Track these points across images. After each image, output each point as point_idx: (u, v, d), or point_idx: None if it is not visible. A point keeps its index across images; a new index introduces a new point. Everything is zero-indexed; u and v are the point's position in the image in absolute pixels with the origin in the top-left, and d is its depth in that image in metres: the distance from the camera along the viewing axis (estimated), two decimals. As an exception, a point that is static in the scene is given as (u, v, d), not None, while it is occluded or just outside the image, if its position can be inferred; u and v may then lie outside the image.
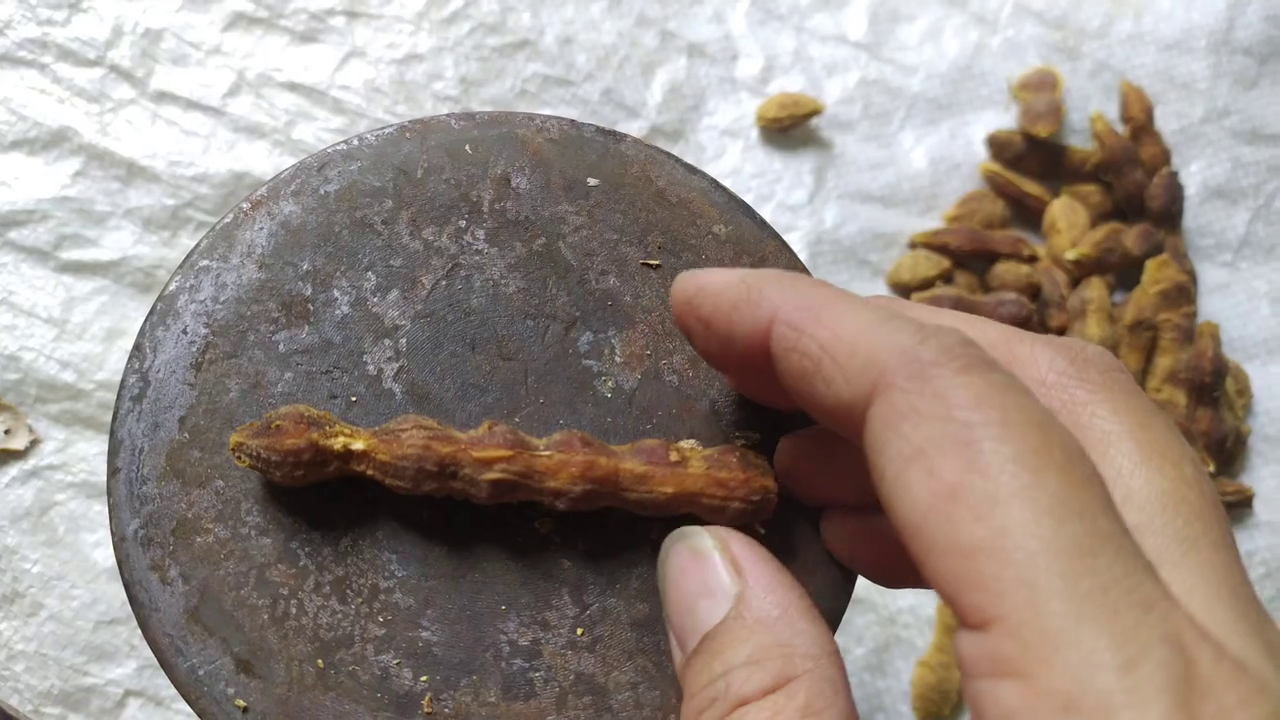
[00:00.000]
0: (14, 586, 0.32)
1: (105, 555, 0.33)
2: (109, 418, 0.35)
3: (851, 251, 0.41)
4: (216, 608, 0.19)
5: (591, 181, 0.23)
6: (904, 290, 0.40)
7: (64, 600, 0.32)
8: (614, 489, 0.19)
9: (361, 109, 0.39)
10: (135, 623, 0.33)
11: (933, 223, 0.42)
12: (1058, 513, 0.13)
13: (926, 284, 0.40)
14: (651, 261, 0.23)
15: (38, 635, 0.32)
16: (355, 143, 0.23)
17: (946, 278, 0.40)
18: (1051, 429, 0.14)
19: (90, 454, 0.34)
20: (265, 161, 0.38)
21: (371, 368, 0.21)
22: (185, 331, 0.21)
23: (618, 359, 0.22)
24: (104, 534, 0.34)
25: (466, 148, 0.23)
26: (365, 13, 0.40)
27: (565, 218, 0.23)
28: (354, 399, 0.21)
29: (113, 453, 0.20)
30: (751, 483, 0.19)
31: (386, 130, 0.23)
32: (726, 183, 0.41)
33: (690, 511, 0.20)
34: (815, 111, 0.41)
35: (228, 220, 0.22)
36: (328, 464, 0.19)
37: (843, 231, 0.41)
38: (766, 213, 0.41)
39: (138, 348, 0.21)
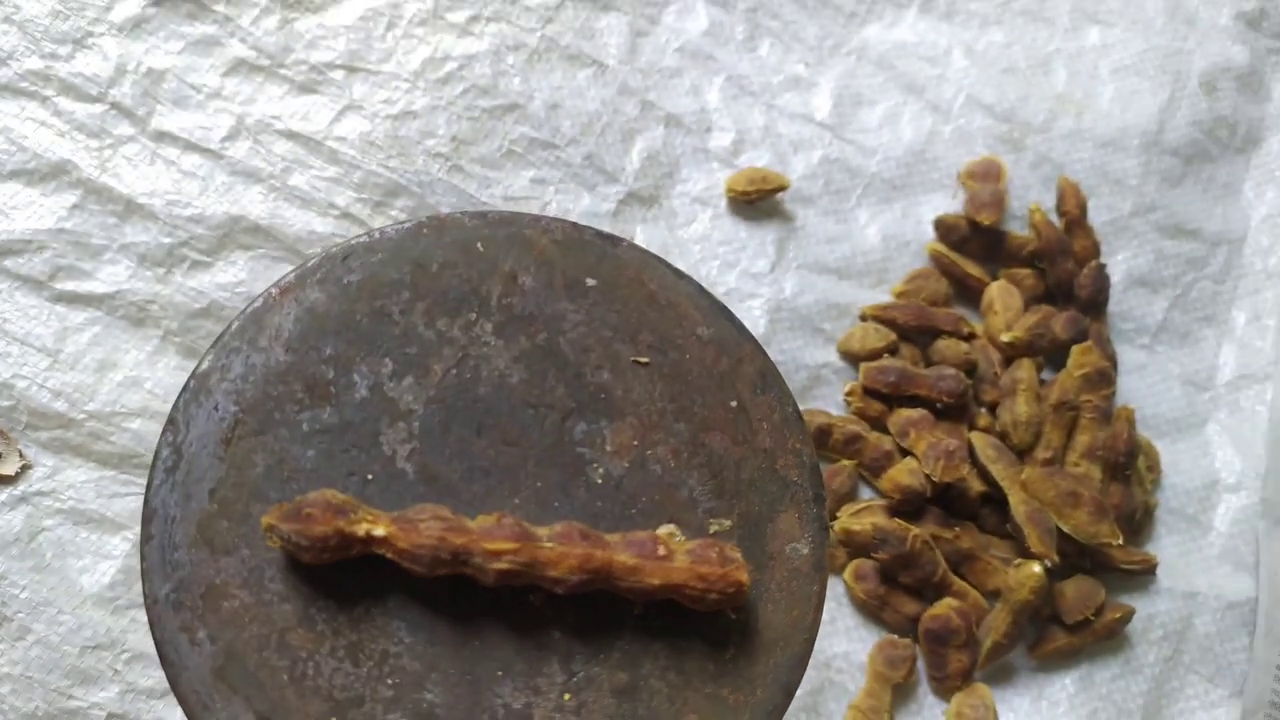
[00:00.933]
0: (2, 611, 0.33)
1: (91, 581, 0.35)
2: (98, 446, 0.36)
3: (807, 320, 0.44)
4: (241, 668, 0.21)
5: (590, 282, 0.26)
6: (853, 358, 0.44)
7: (51, 625, 0.34)
8: (607, 578, 0.22)
9: (356, 160, 0.41)
10: (119, 648, 0.34)
11: (883, 295, 0.45)
12: None
13: (874, 355, 0.43)
14: (641, 359, 0.25)
15: (24, 659, 0.33)
16: (377, 235, 0.25)
17: (892, 350, 0.43)
18: None
19: (78, 481, 0.36)
20: (260, 206, 0.40)
21: (386, 448, 0.23)
22: (216, 408, 0.23)
23: (608, 448, 0.24)
24: (90, 560, 0.35)
25: (478, 245, 0.26)
26: (364, 68, 0.42)
27: (565, 315, 0.25)
28: (370, 477, 0.23)
29: (146, 520, 0.22)
30: (729, 577, 0.22)
31: (406, 225, 0.25)
32: (695, 249, 0.44)
33: (673, 599, 0.22)
34: (781, 188, 0.44)
35: (257, 305, 0.24)
36: (351, 547, 0.21)
37: (800, 300, 0.44)
38: (731, 279, 0.44)
39: (171, 421, 0.23)
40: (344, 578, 0.22)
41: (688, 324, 0.26)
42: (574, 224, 0.26)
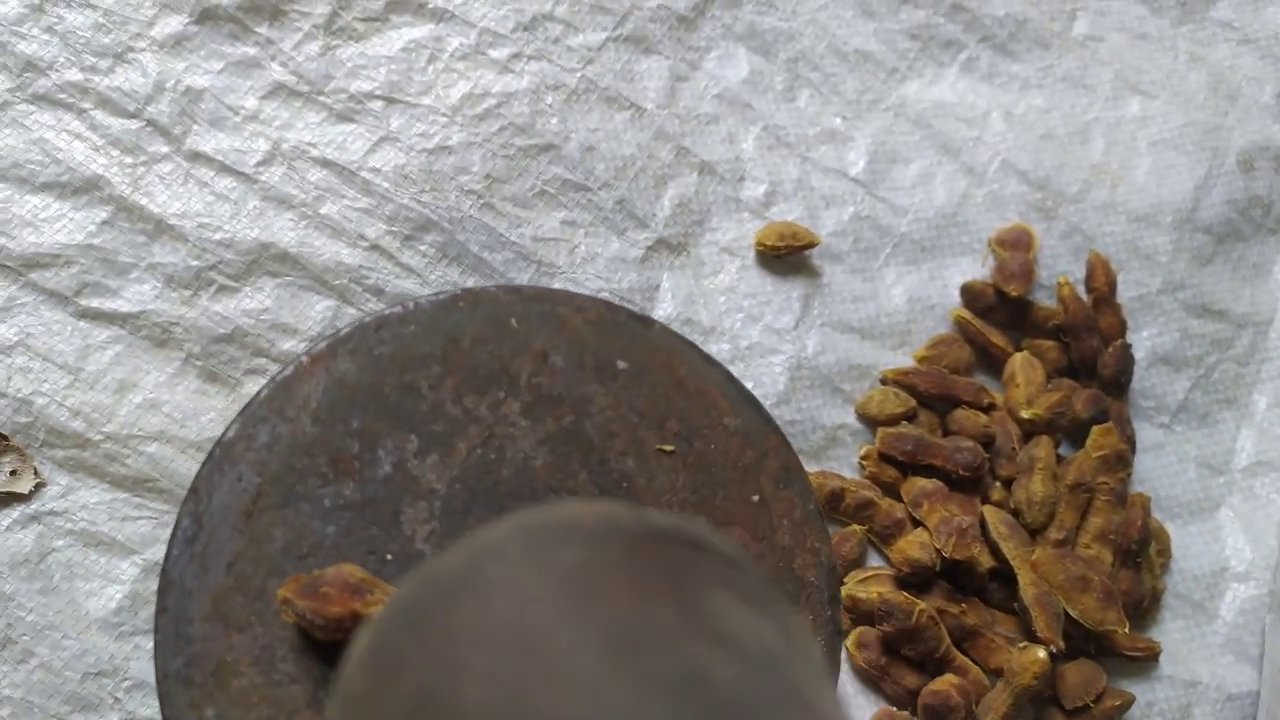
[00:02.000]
0: (8, 633, 0.33)
1: (98, 606, 0.35)
2: (113, 468, 0.36)
3: (828, 379, 0.44)
4: (248, 747, 0.21)
5: (620, 365, 0.26)
6: (871, 422, 0.43)
7: (55, 650, 0.34)
8: None
9: (389, 193, 0.41)
10: (121, 676, 0.34)
11: (905, 358, 0.45)
12: None
13: (893, 420, 0.43)
14: (666, 447, 0.25)
15: (26, 682, 0.33)
16: (411, 306, 0.25)
17: (911, 416, 0.43)
18: None
19: (91, 503, 0.36)
20: (290, 233, 0.39)
21: (406, 528, 0.23)
22: (240, 479, 0.23)
23: (626, 539, 0.24)
24: (99, 584, 0.35)
25: (512, 321, 0.26)
26: (403, 100, 0.42)
27: (593, 398, 0.25)
28: (389, 557, 0.23)
29: (163, 591, 0.22)
30: None
31: (440, 297, 0.25)
32: (720, 300, 0.44)
33: None
34: (811, 244, 0.44)
35: (288, 373, 0.24)
36: None
37: (822, 359, 0.44)
38: (754, 333, 0.44)
39: (194, 490, 0.23)
40: (356, 660, 0.22)
41: (715, 413, 0.26)
42: (607, 304, 0.26)
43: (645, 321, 0.26)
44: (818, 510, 0.26)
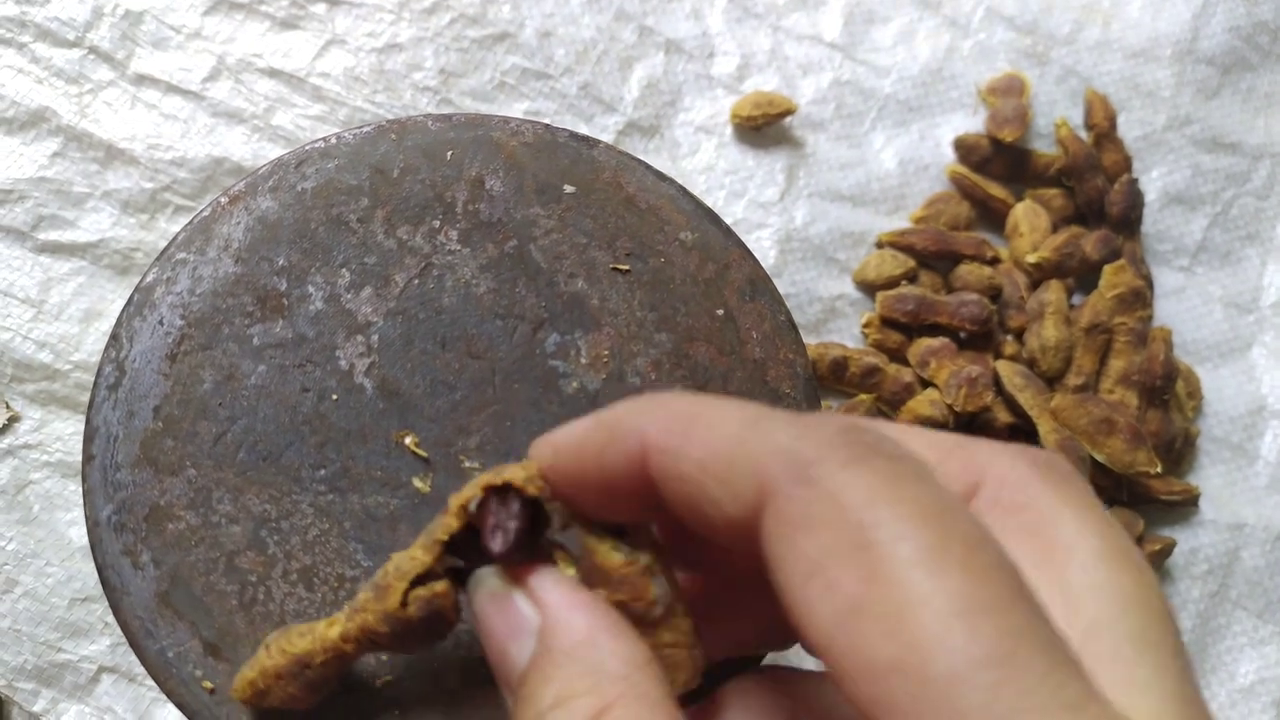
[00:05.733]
0: (-11, 563, 0.33)
1: (80, 534, 0.34)
2: (85, 398, 0.36)
3: (820, 249, 0.42)
4: (186, 592, 0.20)
5: (565, 187, 0.24)
6: (870, 288, 0.41)
7: (39, 578, 0.33)
8: None
9: (341, 97, 0.39)
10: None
11: (900, 222, 0.43)
12: (967, 616, 0.12)
13: (891, 283, 0.41)
14: (620, 266, 0.24)
15: (12, 612, 0.32)
16: (333, 140, 0.24)
17: (911, 277, 0.41)
18: (950, 519, 0.13)
19: (66, 433, 0.35)
20: (244, 147, 0.38)
21: (344, 363, 0.22)
22: (162, 322, 0.22)
23: (583, 360, 0.23)
24: (79, 513, 0.34)
25: (443, 149, 0.24)
26: (346, 1, 0.40)
27: (537, 221, 0.24)
28: (330, 394, 0.22)
29: (88, 440, 0.21)
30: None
31: (364, 129, 0.24)
32: (700, 179, 0.42)
33: None
34: (789, 111, 0.42)
35: (205, 214, 0.23)
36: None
37: (812, 230, 0.42)
38: (739, 209, 0.42)
39: (114, 337, 0.21)
40: (298, 499, 0.21)
41: (670, 228, 0.24)
42: (546, 125, 0.25)
43: (588, 141, 0.25)
44: (789, 321, 0.24)
